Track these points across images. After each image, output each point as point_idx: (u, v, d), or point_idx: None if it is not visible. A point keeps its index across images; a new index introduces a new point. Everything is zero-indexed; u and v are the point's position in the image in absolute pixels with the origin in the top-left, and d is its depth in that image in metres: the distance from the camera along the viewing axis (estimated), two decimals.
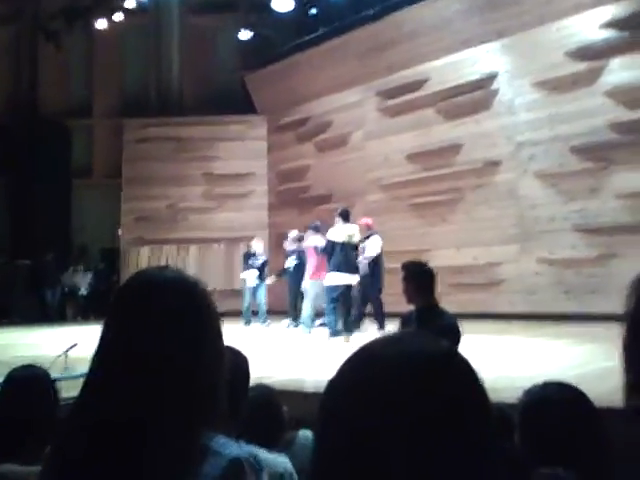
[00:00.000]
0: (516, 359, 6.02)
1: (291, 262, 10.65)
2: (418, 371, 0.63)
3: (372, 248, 9.07)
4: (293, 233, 11.01)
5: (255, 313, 11.17)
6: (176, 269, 1.09)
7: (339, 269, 8.15)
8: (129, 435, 0.94)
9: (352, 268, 8.35)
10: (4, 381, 2.10)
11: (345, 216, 8.44)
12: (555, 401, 1.76)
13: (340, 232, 8.29)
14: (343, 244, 8.21)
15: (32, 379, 2.12)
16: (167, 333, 0.98)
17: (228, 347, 2.03)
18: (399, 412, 0.61)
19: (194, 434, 0.98)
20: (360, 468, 0.61)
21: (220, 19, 16.47)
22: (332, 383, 0.68)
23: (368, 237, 9.15)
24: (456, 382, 0.64)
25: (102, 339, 1.03)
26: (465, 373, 0.66)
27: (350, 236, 8.35)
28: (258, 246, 11.56)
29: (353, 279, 8.37)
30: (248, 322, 11.04)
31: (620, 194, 9.65)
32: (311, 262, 9.40)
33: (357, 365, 0.67)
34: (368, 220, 9.60)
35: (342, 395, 0.66)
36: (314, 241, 9.47)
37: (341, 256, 8.15)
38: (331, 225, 8.59)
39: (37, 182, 15.60)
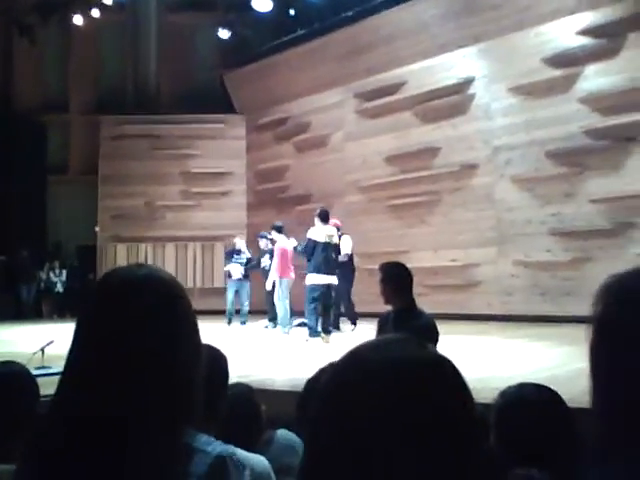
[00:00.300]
0: (492, 360, 6.07)
1: (267, 261, 10.59)
2: (403, 376, 0.64)
3: (346, 246, 9.21)
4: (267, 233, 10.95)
5: (237, 312, 10.96)
6: (150, 266, 1.09)
7: (319, 269, 8.17)
8: (110, 434, 0.93)
9: (332, 268, 8.39)
10: None
11: (324, 217, 8.48)
12: (530, 402, 1.78)
13: (320, 232, 8.33)
14: (324, 244, 8.25)
15: (11, 375, 2.09)
16: (144, 330, 0.98)
17: (206, 345, 2.02)
18: (384, 417, 0.61)
19: (177, 432, 0.97)
20: (347, 471, 0.62)
21: (198, 17, 16.39)
22: (321, 386, 0.68)
23: (339, 237, 9.22)
24: (442, 387, 0.65)
25: (78, 336, 1.02)
26: (451, 378, 0.67)
27: (330, 236, 8.40)
28: (242, 244, 11.41)
29: (333, 279, 8.40)
30: (230, 321, 10.80)
31: (594, 199, 9.81)
32: (275, 262, 9.42)
33: (345, 369, 0.68)
34: (337, 221, 9.60)
35: (330, 399, 0.66)
36: (282, 242, 9.49)
37: (322, 256, 8.18)
38: (309, 226, 8.62)
39: (12, 178, 15.36)
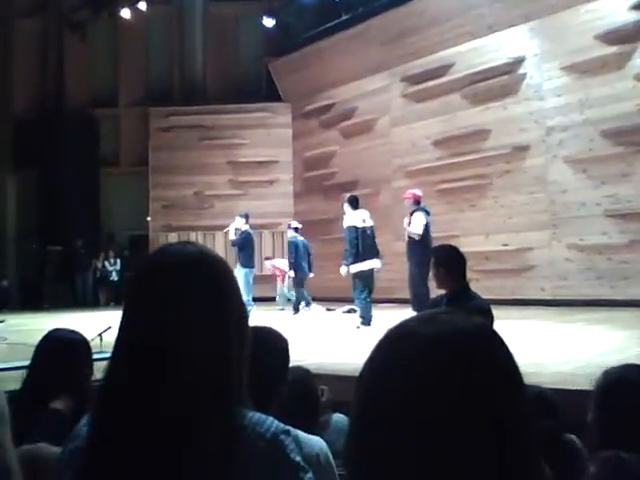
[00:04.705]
0: (550, 345, 5.96)
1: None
2: (452, 348, 0.63)
3: (416, 225, 7.95)
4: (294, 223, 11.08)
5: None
6: (198, 244, 1.08)
7: (365, 256, 8.07)
8: (158, 411, 0.93)
9: (374, 252, 8.24)
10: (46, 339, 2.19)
11: (354, 202, 8.35)
12: (636, 383, 1.75)
13: (357, 218, 8.20)
14: (362, 229, 8.13)
15: (76, 341, 2.19)
16: (193, 309, 0.97)
17: (268, 328, 2.04)
18: (434, 388, 0.61)
19: (232, 412, 0.97)
20: (396, 444, 0.61)
21: (243, 7, 16.47)
22: (368, 361, 0.68)
23: (413, 213, 8.11)
24: (490, 357, 0.64)
25: (126, 319, 1.01)
26: (499, 348, 0.67)
27: (364, 220, 8.26)
28: (232, 225, 10.13)
29: (377, 263, 8.27)
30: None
31: None
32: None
33: (392, 343, 0.67)
34: (417, 191, 8.56)
35: (378, 373, 0.66)
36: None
37: (363, 242, 8.07)
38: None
39: (66, 171, 15.83)
